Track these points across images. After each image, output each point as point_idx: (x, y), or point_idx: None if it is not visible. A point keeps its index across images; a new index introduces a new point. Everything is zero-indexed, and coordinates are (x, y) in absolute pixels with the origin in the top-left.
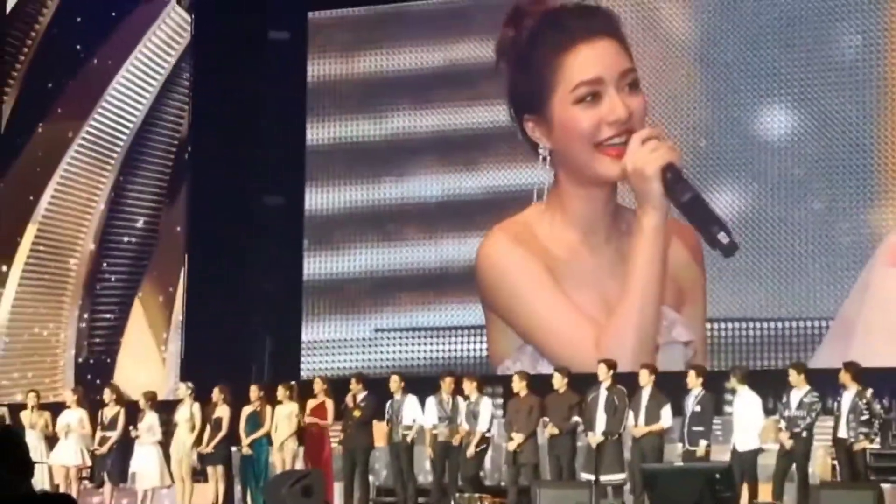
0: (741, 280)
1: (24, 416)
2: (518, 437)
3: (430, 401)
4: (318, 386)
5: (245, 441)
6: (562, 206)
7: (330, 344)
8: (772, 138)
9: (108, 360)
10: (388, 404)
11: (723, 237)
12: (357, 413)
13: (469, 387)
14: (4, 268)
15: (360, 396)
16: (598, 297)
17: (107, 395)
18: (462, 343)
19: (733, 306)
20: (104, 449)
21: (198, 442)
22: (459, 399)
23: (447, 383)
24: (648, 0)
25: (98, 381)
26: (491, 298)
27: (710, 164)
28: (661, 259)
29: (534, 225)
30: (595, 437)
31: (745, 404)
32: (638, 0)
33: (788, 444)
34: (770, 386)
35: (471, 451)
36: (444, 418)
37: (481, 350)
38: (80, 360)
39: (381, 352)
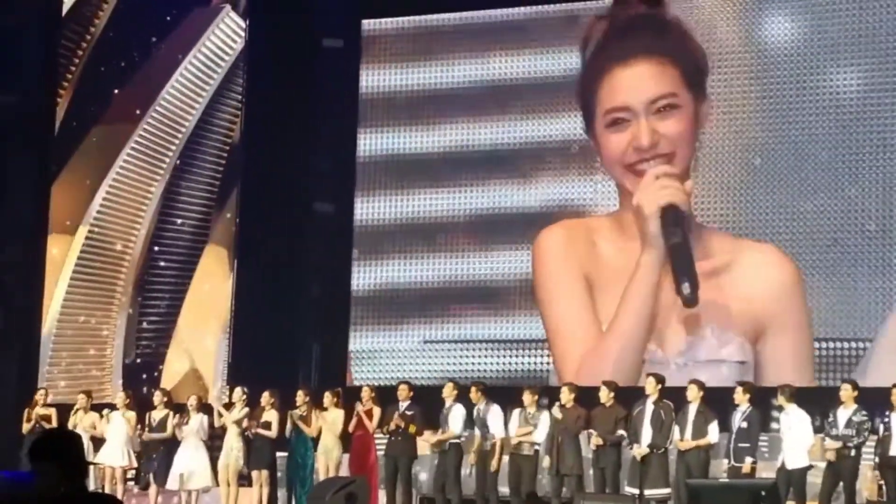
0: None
1: (73, 416)
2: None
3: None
4: (367, 394)
5: (292, 427)
6: (621, 220)
7: (377, 354)
8: (827, 157)
9: (156, 363)
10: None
11: (685, 288)
12: (412, 428)
13: (529, 399)
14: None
15: (405, 406)
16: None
17: (157, 397)
18: (512, 356)
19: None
20: (153, 438)
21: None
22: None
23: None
24: (705, 17)
25: (145, 383)
26: (534, 286)
27: (763, 181)
28: (652, 294)
29: (597, 232)
30: (640, 450)
31: (795, 422)
32: (695, 17)
33: (832, 456)
34: (816, 403)
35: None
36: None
37: (531, 363)
38: (128, 361)
39: (429, 363)
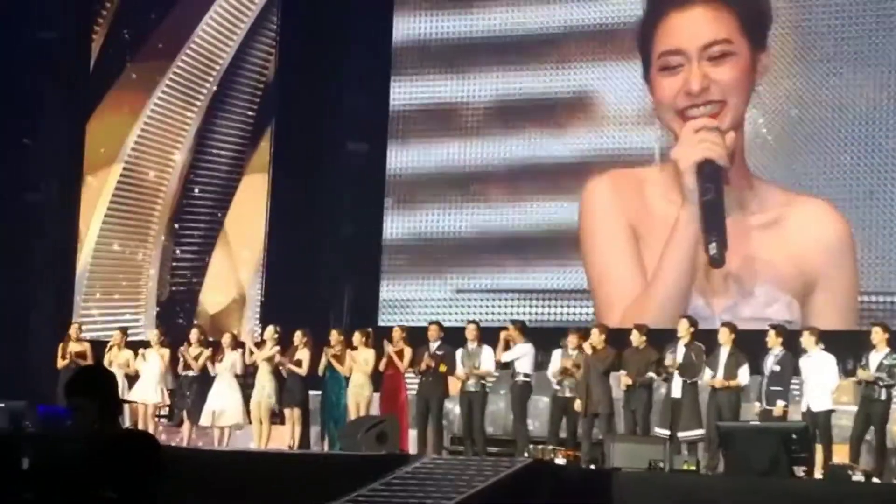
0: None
1: (108, 353)
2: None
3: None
4: (398, 334)
5: (322, 369)
6: (668, 169)
7: (408, 303)
8: (864, 108)
9: (190, 300)
10: (459, 352)
11: (712, 248)
12: (443, 367)
13: (574, 341)
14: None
15: (435, 346)
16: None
17: (193, 334)
18: (544, 307)
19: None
20: (189, 370)
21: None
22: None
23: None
24: None
25: (179, 318)
26: (580, 236)
27: (800, 132)
28: (692, 248)
29: (647, 182)
30: (671, 357)
31: (819, 364)
32: None
33: (864, 387)
34: (848, 348)
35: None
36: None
37: (562, 314)
38: (163, 299)
39: (460, 313)
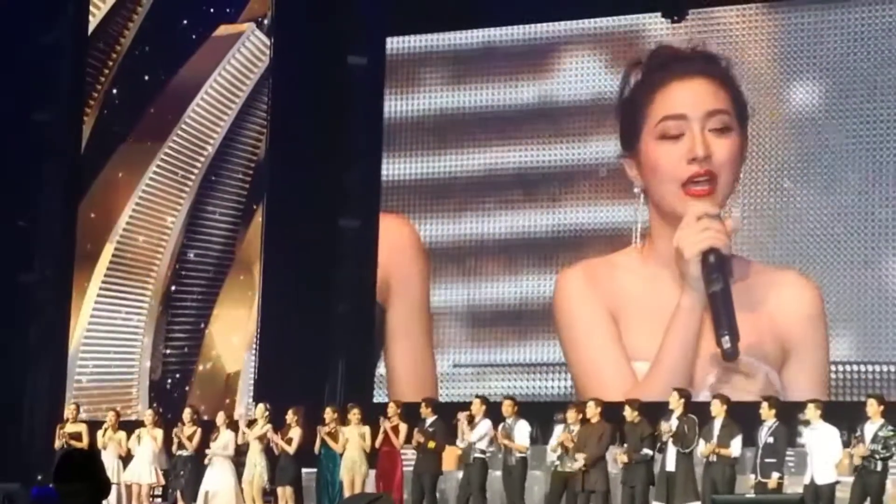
0: (846, 321)
1: (101, 434)
2: (581, 458)
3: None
4: (393, 410)
5: (317, 449)
6: (654, 247)
7: (403, 378)
8: (857, 180)
9: (183, 379)
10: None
11: (725, 342)
12: (431, 444)
13: (573, 416)
14: (84, 284)
15: (429, 421)
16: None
17: (186, 414)
18: (540, 379)
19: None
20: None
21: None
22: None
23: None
24: (736, 42)
25: (172, 400)
26: (556, 327)
27: (794, 204)
28: (693, 338)
29: (620, 267)
30: (667, 425)
31: (824, 437)
32: (724, 37)
33: (859, 461)
34: (843, 419)
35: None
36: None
37: (558, 387)
38: (155, 378)
39: (458, 387)
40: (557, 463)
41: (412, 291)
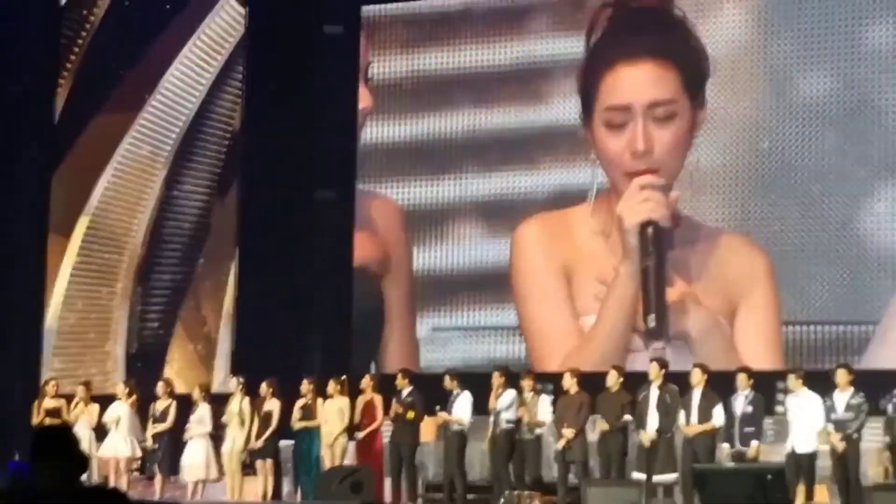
0: (802, 282)
1: (74, 409)
2: (568, 433)
3: (511, 395)
4: (366, 381)
5: (295, 426)
6: (608, 208)
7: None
8: (835, 140)
9: (159, 354)
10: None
11: (650, 320)
12: (410, 414)
13: (528, 384)
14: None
15: (406, 392)
16: None
17: (160, 387)
18: (519, 342)
19: (795, 309)
20: (149, 443)
21: (248, 438)
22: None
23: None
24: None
25: (148, 373)
26: (511, 282)
27: (771, 165)
28: (631, 304)
29: (575, 222)
30: (647, 435)
31: (806, 406)
32: (703, 3)
33: (840, 446)
34: (819, 389)
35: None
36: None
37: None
38: (131, 351)
39: (437, 351)
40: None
41: (395, 258)
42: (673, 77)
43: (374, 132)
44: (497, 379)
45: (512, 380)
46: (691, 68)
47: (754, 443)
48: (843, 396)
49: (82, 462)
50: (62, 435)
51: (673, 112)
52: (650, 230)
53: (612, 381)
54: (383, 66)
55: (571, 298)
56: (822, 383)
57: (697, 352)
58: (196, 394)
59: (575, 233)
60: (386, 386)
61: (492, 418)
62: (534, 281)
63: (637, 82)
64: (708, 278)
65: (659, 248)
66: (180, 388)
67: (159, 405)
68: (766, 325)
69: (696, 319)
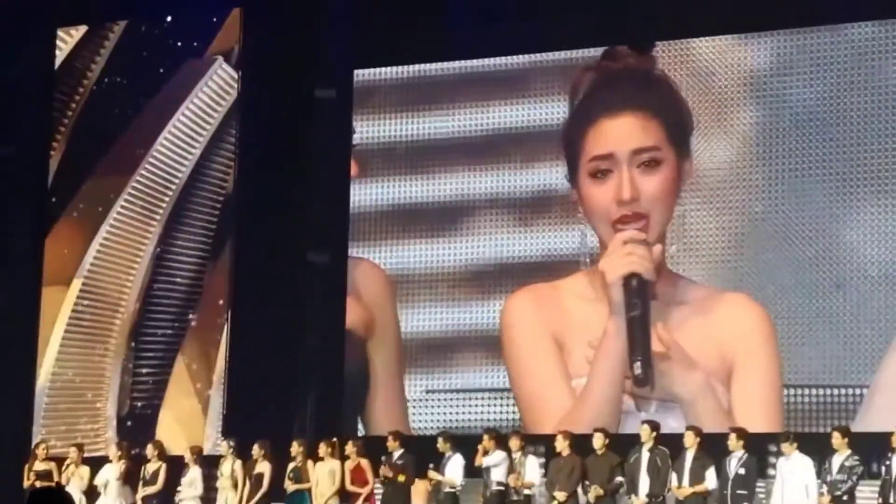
0: (797, 345)
1: (66, 471)
2: (560, 496)
3: (501, 454)
4: (350, 448)
5: (288, 487)
6: (592, 274)
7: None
8: (826, 204)
9: (151, 416)
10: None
11: (637, 367)
12: (401, 477)
13: (516, 444)
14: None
15: (397, 454)
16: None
17: (149, 450)
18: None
19: (791, 372)
20: (147, 493)
21: (241, 500)
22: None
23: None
24: (702, 65)
25: (140, 437)
26: (502, 350)
27: (765, 228)
28: (620, 360)
29: (567, 291)
30: (640, 500)
31: (799, 468)
32: (692, 66)
33: None
34: (814, 451)
35: None
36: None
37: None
38: (122, 414)
39: (431, 413)
40: (500, 489)
41: (381, 322)
42: (655, 126)
43: (364, 196)
44: (487, 442)
45: (502, 442)
46: (674, 119)
47: None
48: (839, 459)
49: None
50: (57, 498)
51: (657, 158)
52: (634, 282)
53: (599, 443)
54: (374, 129)
55: (563, 363)
56: (821, 446)
57: (689, 413)
58: (188, 456)
59: (564, 300)
60: (375, 448)
61: (483, 478)
62: (525, 348)
63: (620, 132)
64: (701, 337)
65: (643, 299)
66: (173, 450)
67: (150, 467)
68: (766, 386)
69: (688, 381)
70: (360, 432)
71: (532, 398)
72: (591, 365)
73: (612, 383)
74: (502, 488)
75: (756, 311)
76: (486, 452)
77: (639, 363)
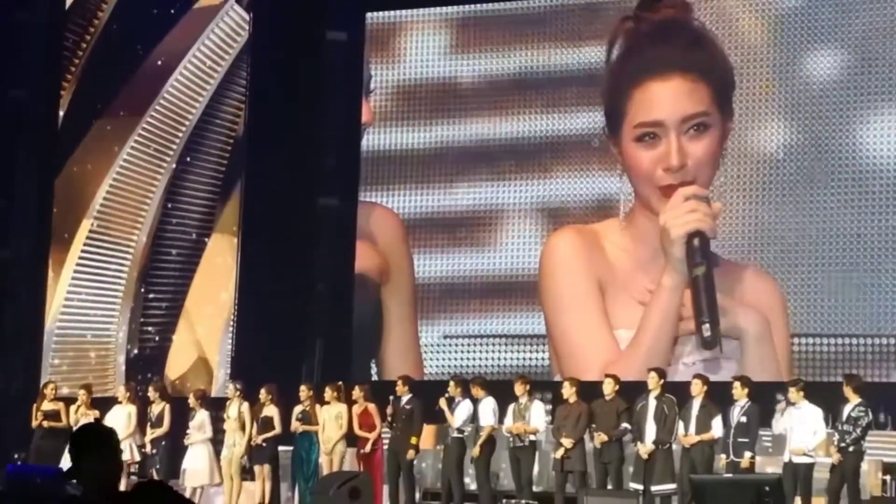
0: (818, 296)
1: (74, 411)
2: (567, 443)
3: (510, 407)
4: (357, 392)
5: (296, 428)
6: (635, 223)
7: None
8: (851, 152)
9: (160, 356)
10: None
11: (706, 329)
12: (414, 440)
13: (521, 390)
14: (61, 261)
15: (405, 399)
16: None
17: (151, 391)
18: (528, 352)
19: (811, 322)
20: (148, 448)
21: (248, 442)
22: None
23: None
24: (729, 13)
25: (149, 377)
26: (541, 290)
27: (788, 177)
28: (674, 317)
29: (605, 237)
30: (645, 447)
31: (807, 417)
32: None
33: (836, 458)
34: (829, 400)
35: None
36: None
37: (538, 358)
38: (132, 355)
39: (447, 358)
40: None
41: (395, 267)
42: (703, 89)
43: (379, 140)
44: (453, 389)
45: (468, 390)
46: (720, 80)
47: (747, 454)
48: (848, 408)
49: (121, 467)
50: (107, 433)
51: (706, 123)
52: (696, 240)
53: (609, 388)
54: (388, 73)
55: (606, 311)
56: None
57: (747, 354)
58: (192, 400)
59: (606, 247)
60: (386, 392)
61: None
62: (569, 290)
63: (668, 97)
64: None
65: (708, 258)
66: (183, 393)
67: (154, 409)
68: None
69: (750, 318)
70: (374, 377)
71: (572, 345)
72: (643, 317)
73: (665, 339)
74: (461, 436)
75: (766, 281)
76: (451, 399)
77: (707, 325)
